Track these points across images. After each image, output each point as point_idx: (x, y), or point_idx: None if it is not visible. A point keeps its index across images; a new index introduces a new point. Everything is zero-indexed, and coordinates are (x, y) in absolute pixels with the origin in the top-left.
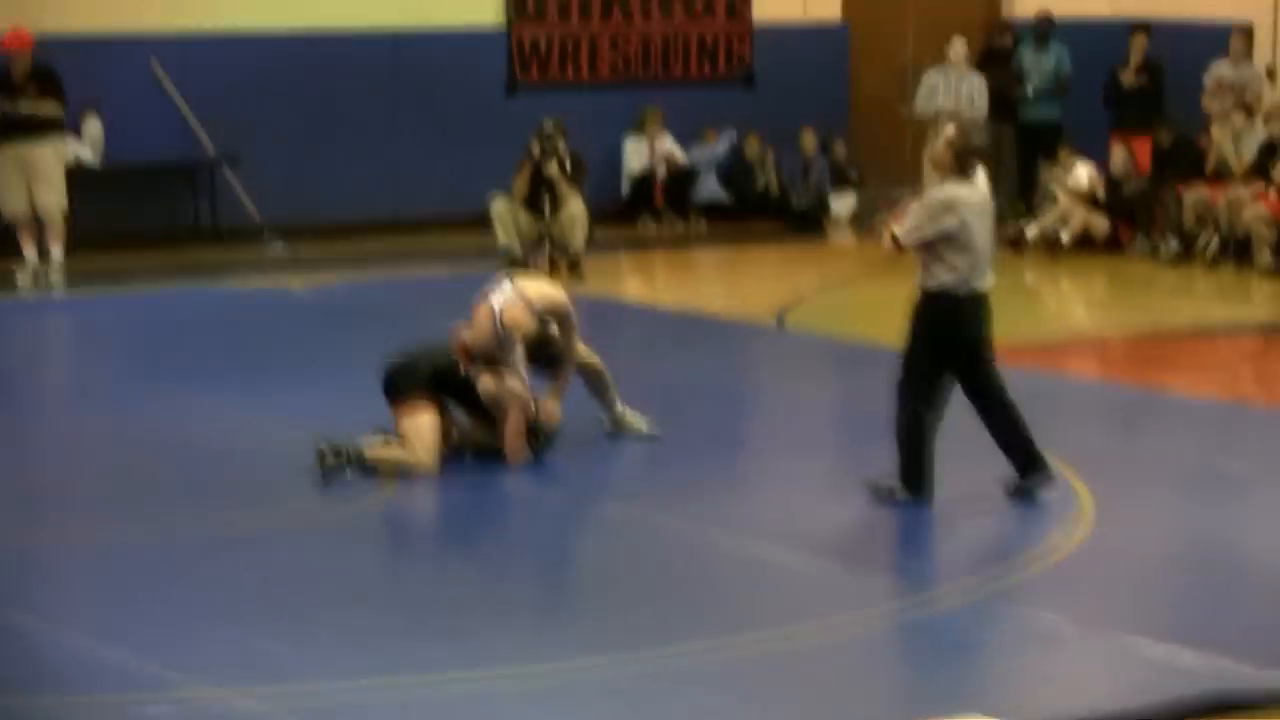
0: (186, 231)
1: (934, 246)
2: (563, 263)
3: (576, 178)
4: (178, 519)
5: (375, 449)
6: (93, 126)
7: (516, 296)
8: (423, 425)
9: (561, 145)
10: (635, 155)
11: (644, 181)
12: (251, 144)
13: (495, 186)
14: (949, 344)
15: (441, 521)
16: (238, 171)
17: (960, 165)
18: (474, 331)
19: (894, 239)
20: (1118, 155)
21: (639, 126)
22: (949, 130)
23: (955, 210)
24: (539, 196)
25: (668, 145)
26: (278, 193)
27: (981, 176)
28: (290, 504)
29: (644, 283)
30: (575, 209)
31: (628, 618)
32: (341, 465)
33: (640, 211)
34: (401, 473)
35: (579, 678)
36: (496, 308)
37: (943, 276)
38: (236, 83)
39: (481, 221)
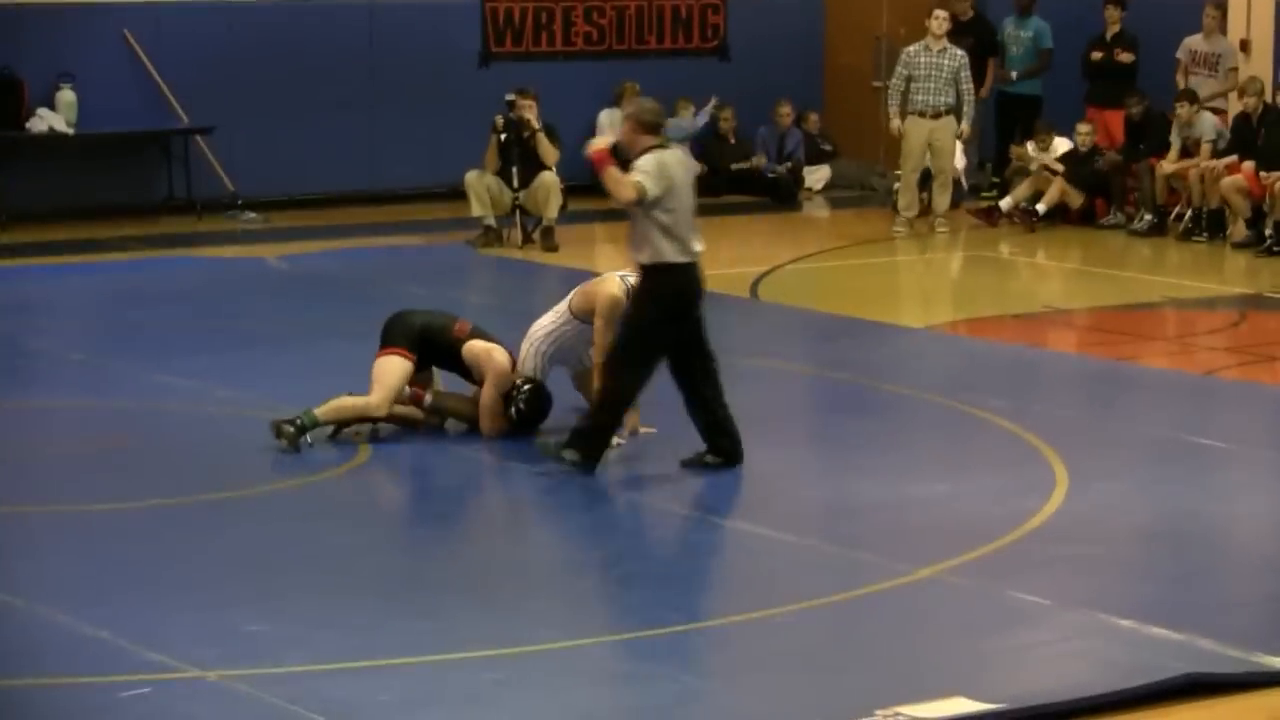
0: (160, 202)
1: (653, 217)
2: (536, 233)
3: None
4: (150, 494)
5: (324, 405)
6: (66, 96)
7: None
8: (387, 368)
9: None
10: (612, 128)
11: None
12: (225, 114)
13: (469, 158)
14: (681, 316)
15: (419, 498)
16: (211, 142)
17: (650, 132)
18: (587, 298)
19: (637, 187)
20: (1082, 129)
21: (616, 100)
22: (627, 109)
23: (668, 175)
24: (509, 168)
25: None
26: (252, 163)
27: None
28: (265, 478)
29: (617, 254)
30: (548, 180)
31: (608, 598)
32: (298, 432)
33: None
34: (355, 419)
35: (560, 660)
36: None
37: (663, 246)
38: (210, 52)
39: (456, 193)
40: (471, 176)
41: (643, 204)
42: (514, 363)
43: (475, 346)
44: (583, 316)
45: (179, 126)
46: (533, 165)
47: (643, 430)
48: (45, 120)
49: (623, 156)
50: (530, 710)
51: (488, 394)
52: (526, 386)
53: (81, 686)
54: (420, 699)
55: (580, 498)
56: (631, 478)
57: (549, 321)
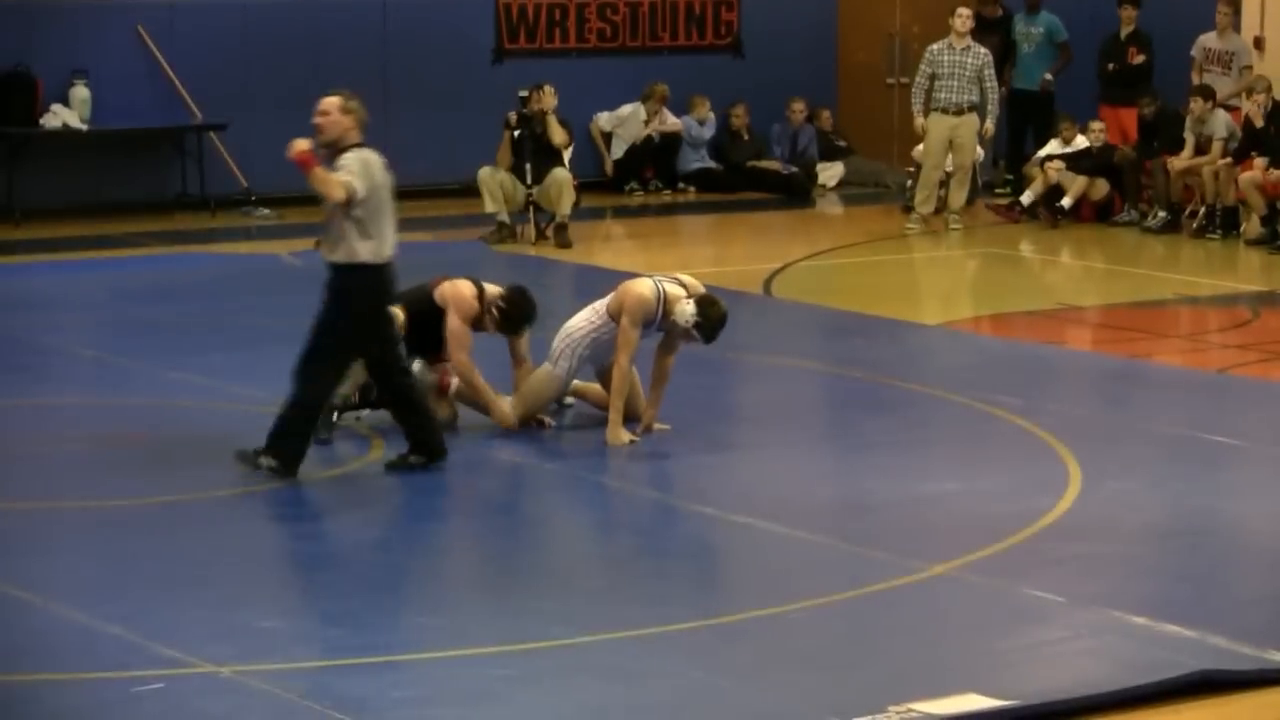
0: (174, 198)
1: (352, 216)
2: (549, 230)
3: (564, 144)
4: (163, 491)
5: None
6: (80, 92)
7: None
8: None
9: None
10: (631, 124)
11: (635, 151)
12: (239, 110)
13: (482, 154)
14: (374, 317)
15: (432, 494)
16: (225, 138)
17: (360, 130)
18: (616, 298)
19: (345, 188)
20: (1095, 127)
21: (644, 98)
22: (349, 103)
23: (372, 174)
24: (522, 164)
25: (668, 119)
26: (265, 159)
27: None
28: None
29: (630, 250)
30: (561, 176)
31: (620, 594)
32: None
33: (627, 179)
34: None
35: (571, 656)
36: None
37: (358, 246)
38: (224, 48)
39: (469, 189)
40: (484, 173)
41: (351, 203)
42: (481, 296)
43: (443, 287)
44: (616, 317)
45: (192, 123)
46: (546, 161)
47: (658, 428)
48: (59, 116)
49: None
50: (542, 706)
51: (452, 321)
52: (506, 291)
53: (96, 682)
54: (432, 695)
55: (593, 494)
56: (644, 474)
57: (586, 322)
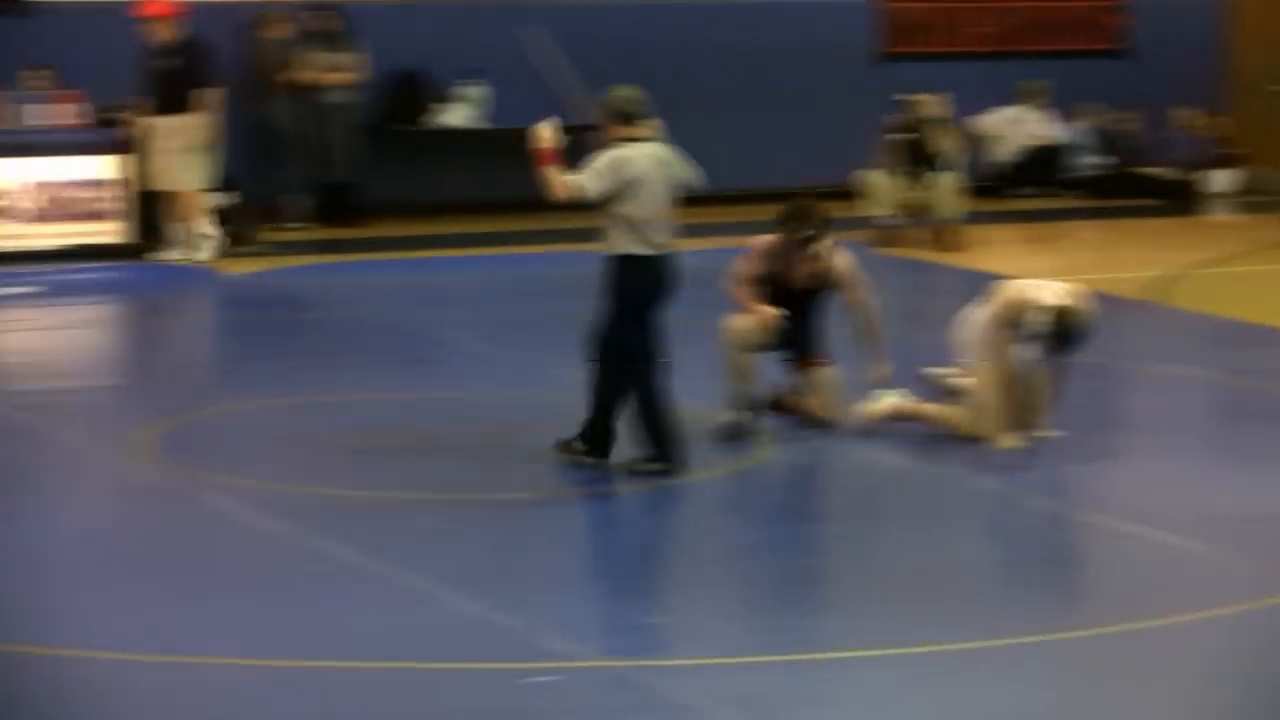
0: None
1: (611, 211)
2: (937, 234)
3: (951, 148)
4: (557, 484)
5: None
6: (475, 92)
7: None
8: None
9: (932, 106)
10: (1015, 128)
11: (1021, 155)
12: None
13: (862, 158)
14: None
15: (823, 495)
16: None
17: (621, 122)
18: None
19: (575, 188)
20: None
21: (1023, 99)
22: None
23: (623, 170)
24: (912, 167)
25: (1047, 121)
26: None
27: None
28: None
29: (1015, 255)
30: (947, 180)
31: (1011, 600)
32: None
33: (1013, 184)
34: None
35: (962, 660)
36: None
37: (621, 239)
38: (614, 51)
39: (850, 192)
40: (873, 175)
41: (580, 201)
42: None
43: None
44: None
45: (584, 123)
46: (932, 165)
47: (1049, 434)
48: (453, 115)
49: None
50: (932, 710)
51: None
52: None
53: (490, 673)
54: (824, 694)
55: (982, 500)
56: (1035, 480)
57: (974, 324)
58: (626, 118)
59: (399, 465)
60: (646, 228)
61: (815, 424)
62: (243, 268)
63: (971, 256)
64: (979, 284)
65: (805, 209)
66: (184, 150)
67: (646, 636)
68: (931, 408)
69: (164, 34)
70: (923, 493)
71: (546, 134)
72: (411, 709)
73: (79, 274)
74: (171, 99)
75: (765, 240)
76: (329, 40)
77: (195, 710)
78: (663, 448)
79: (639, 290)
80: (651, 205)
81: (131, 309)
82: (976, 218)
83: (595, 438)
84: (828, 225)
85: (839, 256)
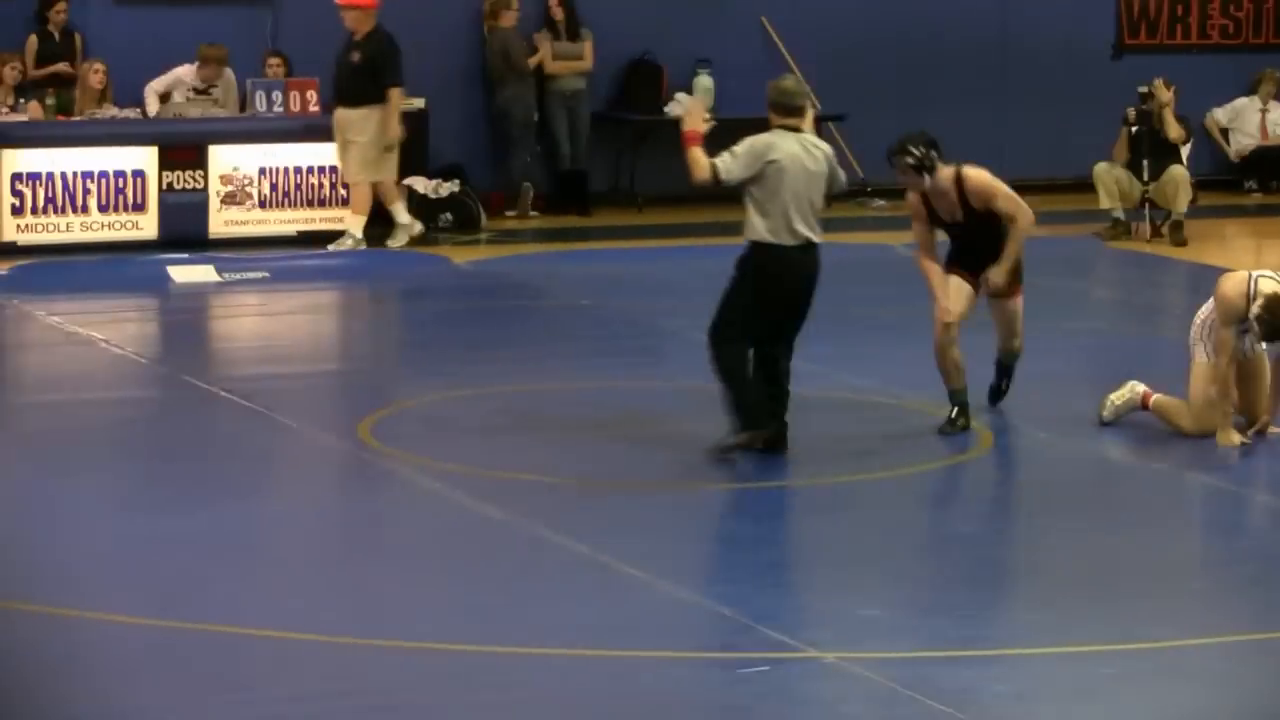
0: None
1: (750, 194)
2: (1164, 227)
3: (1180, 141)
4: (773, 476)
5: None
6: (704, 81)
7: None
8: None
9: (1163, 97)
10: (1244, 120)
11: (1256, 150)
12: (857, 101)
13: (1098, 150)
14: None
15: (1041, 488)
16: (843, 129)
17: (777, 113)
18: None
19: (714, 169)
20: None
21: (1253, 88)
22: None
23: (765, 156)
24: (1139, 160)
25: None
26: (882, 151)
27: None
28: (886, 465)
29: (1245, 250)
30: (1178, 173)
31: (1225, 598)
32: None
33: (1247, 178)
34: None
35: (1174, 658)
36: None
37: (756, 224)
38: (844, 40)
39: (1083, 185)
40: (1101, 168)
41: (719, 183)
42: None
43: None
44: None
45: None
46: (1163, 158)
47: (1273, 431)
48: (683, 105)
49: None
50: (1142, 708)
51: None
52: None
53: (704, 661)
54: (1033, 690)
55: (1202, 495)
56: (1258, 476)
57: (1206, 313)
58: (782, 109)
59: (612, 452)
60: (782, 218)
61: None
62: (468, 255)
63: (1200, 251)
64: (1207, 279)
65: (903, 140)
66: (371, 144)
67: (855, 629)
68: (1165, 400)
69: (355, 25)
70: (1141, 488)
71: (694, 115)
72: (619, 696)
73: (307, 260)
74: (356, 92)
75: (910, 198)
76: (560, 29)
77: (395, 692)
78: (739, 418)
79: (762, 280)
80: (788, 196)
81: (356, 295)
82: (1206, 212)
83: (738, 414)
84: (931, 147)
85: (970, 173)
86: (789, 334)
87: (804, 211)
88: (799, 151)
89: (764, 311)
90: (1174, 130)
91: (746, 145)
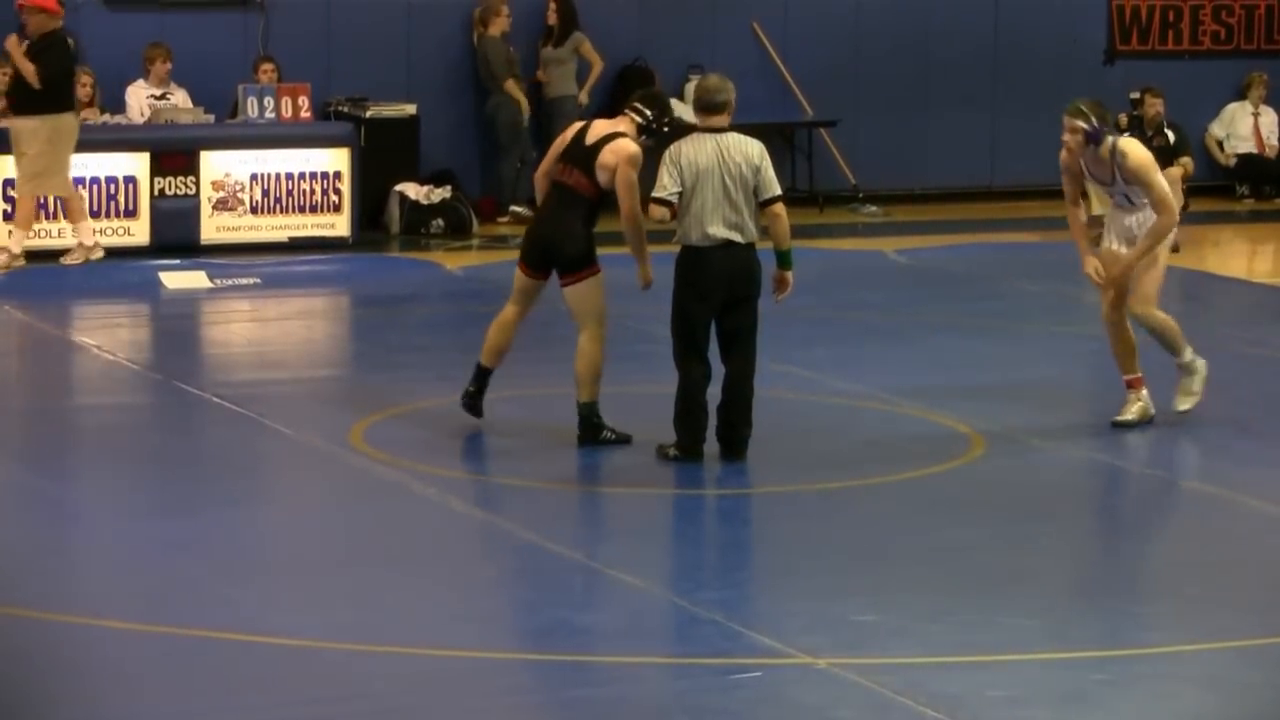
0: (784, 193)
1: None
2: None
3: (1181, 146)
4: (762, 481)
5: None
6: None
7: None
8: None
9: (1155, 113)
10: (1236, 125)
11: (1248, 156)
12: (849, 107)
13: None
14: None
15: (1031, 494)
16: (835, 135)
17: (703, 112)
18: None
19: (661, 202)
20: None
21: (1242, 93)
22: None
23: (678, 162)
24: None
25: (1270, 119)
26: (873, 157)
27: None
28: (876, 470)
29: (1239, 255)
30: (1171, 177)
31: (1219, 603)
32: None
33: (1240, 184)
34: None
35: (1169, 663)
36: None
37: (679, 229)
38: (836, 46)
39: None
40: None
41: (674, 207)
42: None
43: (602, 162)
44: None
45: (804, 119)
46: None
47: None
48: (675, 109)
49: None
50: (1138, 713)
51: (625, 173)
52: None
53: (695, 667)
54: (1027, 696)
55: (1194, 501)
56: (1250, 482)
57: None
58: (703, 106)
59: (605, 458)
60: (695, 220)
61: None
62: (460, 261)
63: (1194, 257)
64: (1199, 284)
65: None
66: (40, 155)
67: (848, 634)
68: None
69: (35, 29)
70: (1134, 493)
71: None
72: (613, 702)
73: (298, 265)
74: (26, 100)
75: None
76: (550, 35)
77: (389, 697)
78: (679, 436)
79: (682, 283)
80: (701, 199)
81: (348, 301)
82: (1199, 218)
83: (679, 433)
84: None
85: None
86: (741, 342)
87: (723, 213)
88: (712, 152)
89: (693, 314)
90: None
91: (664, 159)
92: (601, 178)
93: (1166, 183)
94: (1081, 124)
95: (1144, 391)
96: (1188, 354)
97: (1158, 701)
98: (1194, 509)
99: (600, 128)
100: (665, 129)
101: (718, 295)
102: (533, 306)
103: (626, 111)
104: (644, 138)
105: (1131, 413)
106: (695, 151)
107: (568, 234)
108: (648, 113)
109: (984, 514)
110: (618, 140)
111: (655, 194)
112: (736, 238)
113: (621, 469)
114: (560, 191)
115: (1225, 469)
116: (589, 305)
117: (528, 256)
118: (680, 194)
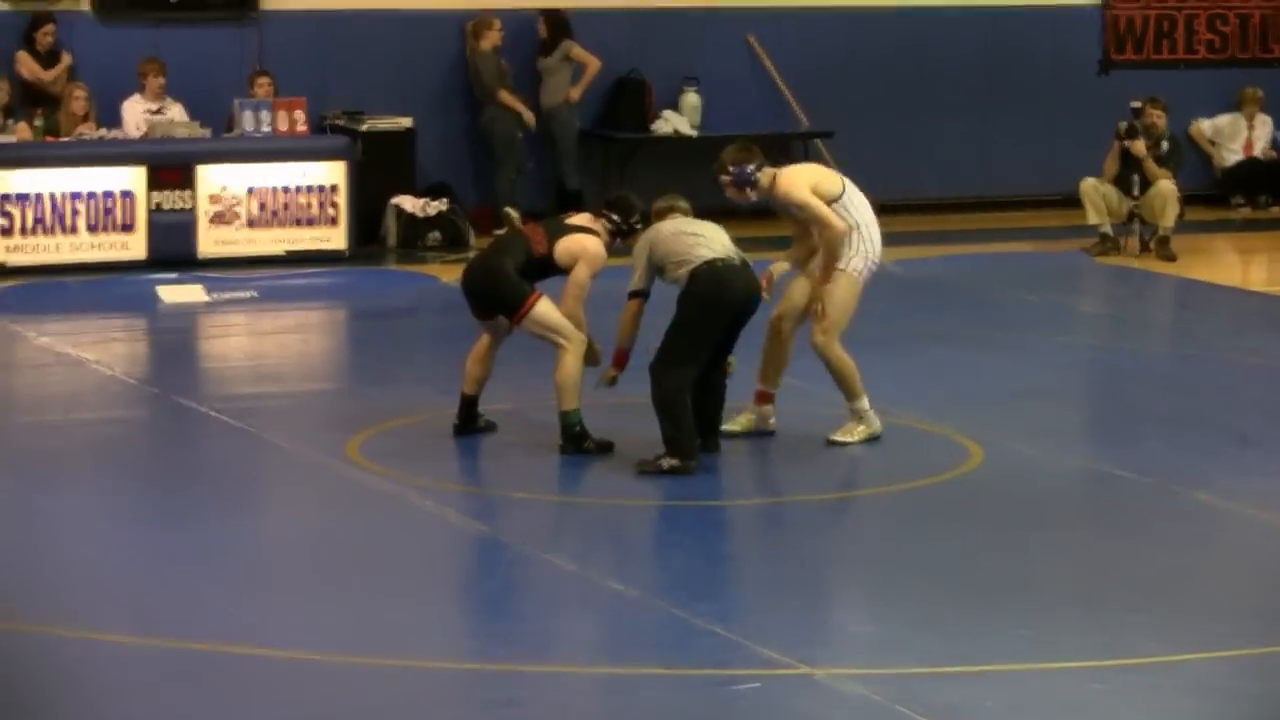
0: None
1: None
2: (1152, 242)
3: (1171, 158)
4: (759, 493)
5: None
6: (690, 99)
7: None
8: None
9: (1156, 123)
10: (1231, 136)
11: (1243, 165)
12: (844, 118)
13: (1085, 166)
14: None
15: (1028, 503)
16: (830, 146)
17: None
18: None
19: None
20: None
21: (1237, 106)
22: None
23: (647, 249)
24: (1128, 176)
25: (1267, 130)
26: (868, 167)
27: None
28: (873, 481)
29: (1233, 265)
30: (1165, 188)
31: (1217, 611)
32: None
33: (1235, 193)
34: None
35: (1166, 673)
36: None
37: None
38: (831, 58)
39: (1070, 200)
40: (1088, 184)
41: (645, 292)
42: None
43: (567, 243)
44: None
45: (800, 130)
46: (1150, 172)
47: None
48: (670, 122)
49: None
50: None
51: (581, 273)
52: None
53: (693, 678)
54: (1023, 706)
55: (1187, 508)
56: (1246, 491)
57: None
58: (657, 214)
59: (601, 469)
60: (703, 248)
61: None
62: (456, 274)
63: (1188, 266)
64: (1195, 293)
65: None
66: None
67: (845, 645)
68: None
69: None
70: (1131, 502)
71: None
72: (610, 713)
73: (295, 279)
74: None
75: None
76: (544, 48)
77: (385, 709)
78: (673, 448)
79: (715, 299)
80: (699, 234)
81: (345, 314)
82: (1194, 227)
83: (672, 445)
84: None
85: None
86: (724, 351)
87: (722, 240)
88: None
89: (712, 331)
90: (1163, 148)
91: (634, 253)
92: (559, 253)
93: (822, 201)
94: (723, 176)
95: (768, 408)
96: (864, 402)
97: (1155, 712)
98: (1191, 518)
99: (582, 219)
100: (634, 229)
101: (738, 310)
102: (504, 335)
103: (600, 215)
104: (615, 240)
105: (738, 424)
106: (657, 228)
107: (493, 274)
108: (615, 217)
109: (981, 524)
110: (592, 238)
111: (630, 289)
112: (740, 258)
113: (618, 481)
114: (509, 239)
115: (1222, 478)
116: (548, 324)
117: (469, 306)
118: (649, 286)
